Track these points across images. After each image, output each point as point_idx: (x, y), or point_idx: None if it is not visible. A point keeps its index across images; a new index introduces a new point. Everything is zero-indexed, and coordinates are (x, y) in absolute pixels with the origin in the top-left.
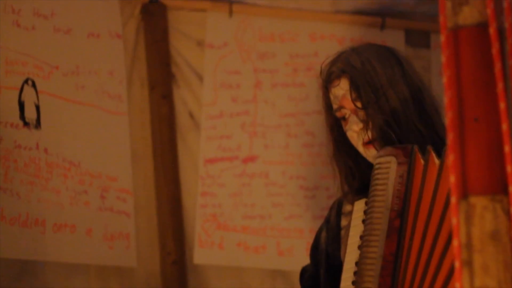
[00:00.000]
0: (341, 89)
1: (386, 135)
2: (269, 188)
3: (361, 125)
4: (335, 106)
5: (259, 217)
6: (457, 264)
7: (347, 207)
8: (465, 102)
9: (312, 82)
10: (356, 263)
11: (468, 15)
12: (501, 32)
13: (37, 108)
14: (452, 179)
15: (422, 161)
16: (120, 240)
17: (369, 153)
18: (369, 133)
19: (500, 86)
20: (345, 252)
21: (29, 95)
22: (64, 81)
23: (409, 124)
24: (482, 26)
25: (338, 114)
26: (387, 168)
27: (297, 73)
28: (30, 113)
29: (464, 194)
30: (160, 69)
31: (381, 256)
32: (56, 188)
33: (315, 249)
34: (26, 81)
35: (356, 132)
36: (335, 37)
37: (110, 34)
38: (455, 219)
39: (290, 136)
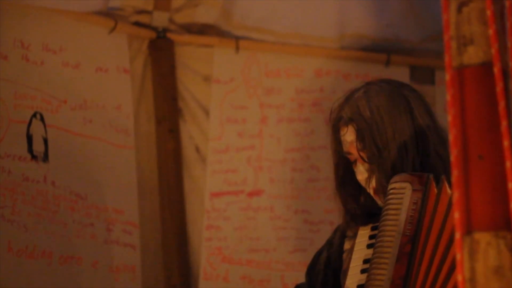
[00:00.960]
0: (349, 136)
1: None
2: (274, 222)
3: (366, 175)
4: (344, 149)
5: (264, 251)
6: None
7: (351, 232)
8: (470, 140)
9: (318, 117)
10: (358, 286)
11: (473, 55)
12: (505, 71)
13: (45, 141)
14: (456, 215)
15: (435, 190)
16: (125, 273)
17: (377, 199)
18: (373, 183)
19: (504, 124)
20: (345, 275)
21: (37, 129)
22: (72, 115)
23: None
24: (487, 66)
25: (347, 157)
26: (402, 194)
27: (302, 108)
28: (38, 146)
29: (468, 230)
30: (167, 103)
31: (390, 279)
32: (63, 221)
33: (312, 269)
34: (34, 115)
35: (363, 181)
36: (340, 73)
37: (118, 69)
38: (459, 255)
39: (295, 171)
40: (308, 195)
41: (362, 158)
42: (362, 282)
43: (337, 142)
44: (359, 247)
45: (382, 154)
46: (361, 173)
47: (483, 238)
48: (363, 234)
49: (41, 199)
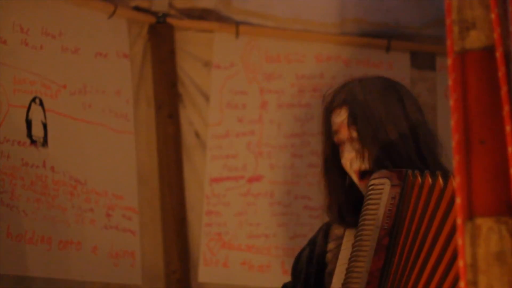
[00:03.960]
0: (340, 116)
1: (383, 166)
2: (274, 207)
3: (353, 154)
4: (334, 130)
5: (264, 236)
6: (462, 285)
7: (335, 232)
8: (472, 124)
9: (318, 103)
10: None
11: (475, 39)
12: (507, 56)
13: (45, 126)
14: (458, 200)
15: (419, 183)
16: (125, 258)
17: (363, 187)
18: (365, 164)
19: (506, 109)
20: (331, 275)
21: (36, 114)
22: (71, 100)
23: (408, 159)
24: (489, 50)
25: (335, 139)
26: (381, 189)
27: (303, 94)
28: (38, 131)
29: (470, 216)
30: (166, 89)
31: (367, 271)
32: (62, 206)
33: (295, 268)
34: (33, 100)
35: (348, 161)
36: (341, 59)
37: (118, 54)
38: (460, 240)
39: (295, 156)
40: (308, 181)
41: (351, 135)
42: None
43: (327, 127)
44: (346, 247)
45: (377, 131)
46: (348, 151)
47: (484, 223)
48: (350, 234)
49: (40, 184)
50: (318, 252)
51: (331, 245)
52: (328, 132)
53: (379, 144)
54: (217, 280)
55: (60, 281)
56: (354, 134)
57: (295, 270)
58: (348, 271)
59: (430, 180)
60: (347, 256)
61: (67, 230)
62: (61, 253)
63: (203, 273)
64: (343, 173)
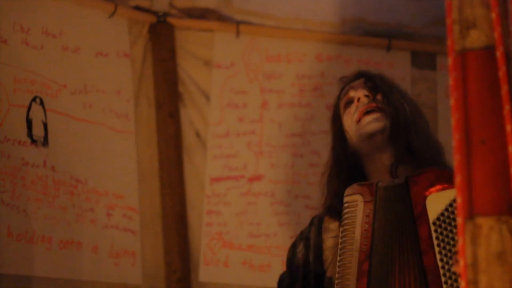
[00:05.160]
0: (359, 81)
1: (398, 125)
2: (275, 207)
3: (365, 91)
4: (343, 93)
5: (265, 236)
6: (463, 284)
7: (330, 226)
8: (472, 124)
9: (318, 102)
10: None
11: (475, 39)
12: (507, 55)
13: (45, 126)
14: (458, 200)
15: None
16: (125, 258)
17: (363, 121)
18: (374, 102)
19: (506, 108)
20: (331, 280)
21: (37, 113)
22: (71, 100)
23: (419, 134)
24: (489, 49)
25: (344, 99)
26: (355, 207)
27: (303, 94)
28: (38, 131)
29: (471, 215)
30: (167, 88)
31: None
32: (62, 205)
33: (291, 262)
34: (34, 99)
35: (354, 107)
36: (341, 58)
37: (118, 54)
38: (461, 239)
39: (296, 156)
40: (309, 180)
41: (369, 89)
42: None
43: (340, 111)
44: None
45: (396, 102)
46: (359, 92)
47: (485, 222)
48: None
49: (41, 183)
50: (314, 249)
51: (328, 243)
52: (336, 112)
53: (400, 113)
54: (217, 279)
55: (60, 281)
56: (367, 93)
57: (291, 264)
58: None
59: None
60: None
61: (68, 230)
62: (62, 252)
63: (204, 272)
64: (351, 175)
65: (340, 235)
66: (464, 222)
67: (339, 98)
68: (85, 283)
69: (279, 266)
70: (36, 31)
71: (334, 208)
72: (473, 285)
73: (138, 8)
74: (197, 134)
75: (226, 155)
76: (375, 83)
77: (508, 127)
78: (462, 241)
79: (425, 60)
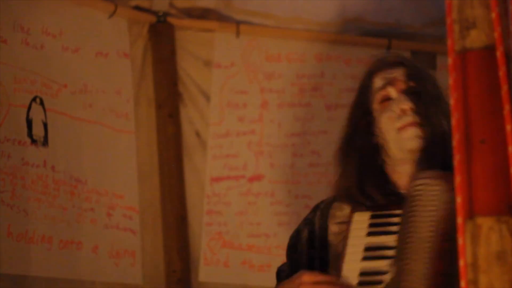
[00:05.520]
0: (394, 72)
1: (437, 134)
2: (275, 207)
3: (410, 104)
4: (380, 85)
5: (265, 236)
6: (463, 284)
7: (337, 213)
8: (472, 124)
9: (318, 102)
10: (362, 274)
11: (475, 39)
12: (507, 55)
13: (45, 125)
14: (458, 200)
15: None
16: (125, 258)
17: (406, 134)
18: (415, 118)
19: (506, 108)
20: (339, 260)
21: (37, 113)
22: (72, 99)
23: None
24: (489, 49)
25: (382, 93)
26: (435, 191)
27: (303, 93)
28: (38, 131)
29: (471, 215)
30: (167, 88)
31: (427, 274)
32: (63, 205)
33: (293, 249)
34: (34, 99)
35: (396, 113)
36: (341, 58)
37: (118, 53)
38: (461, 239)
39: (296, 156)
40: (309, 180)
41: (410, 87)
42: (365, 270)
43: (365, 90)
44: (358, 234)
45: (434, 101)
46: (404, 101)
47: (485, 222)
48: (362, 221)
49: (41, 183)
50: (319, 233)
51: (333, 228)
52: (364, 95)
53: (436, 111)
54: (217, 279)
55: (60, 281)
56: (412, 85)
57: (295, 252)
58: (404, 273)
59: None
60: (360, 243)
61: (68, 230)
62: (62, 252)
63: (204, 272)
64: (370, 144)
65: (411, 211)
66: (464, 222)
67: (369, 85)
68: (85, 283)
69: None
70: (36, 31)
71: (350, 197)
72: (473, 285)
73: (138, 8)
74: (197, 134)
75: (226, 155)
76: (419, 86)
77: (508, 127)
78: (462, 241)
79: (425, 60)
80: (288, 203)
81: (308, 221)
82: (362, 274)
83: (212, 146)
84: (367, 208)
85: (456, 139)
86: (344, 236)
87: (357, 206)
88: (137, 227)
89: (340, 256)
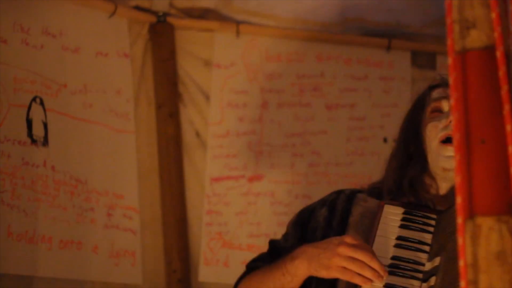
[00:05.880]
0: (444, 92)
1: None
2: (275, 207)
3: (448, 120)
4: (435, 97)
5: (265, 236)
6: (463, 284)
7: (361, 202)
8: (472, 124)
9: (318, 102)
10: (393, 257)
11: (475, 39)
12: (507, 55)
13: (45, 125)
14: (458, 199)
15: None
16: (125, 258)
17: (443, 151)
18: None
19: (506, 108)
20: (365, 240)
21: (37, 113)
22: (72, 99)
23: None
24: (489, 49)
25: (435, 103)
26: None
27: (303, 93)
28: (38, 131)
29: (471, 215)
30: (167, 88)
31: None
32: (63, 205)
33: (304, 223)
34: (34, 99)
35: (441, 124)
36: (341, 58)
37: (118, 53)
38: (461, 239)
39: (296, 156)
40: (309, 180)
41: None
42: (398, 255)
43: (423, 100)
44: (389, 223)
45: None
46: (444, 118)
47: (485, 222)
48: (394, 213)
49: (41, 183)
50: (340, 214)
51: (356, 213)
52: (421, 104)
53: None
54: (217, 279)
55: (61, 281)
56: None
57: (306, 226)
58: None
59: None
60: (392, 231)
61: (68, 230)
62: (62, 252)
63: (204, 272)
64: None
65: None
66: (464, 222)
67: (427, 96)
68: (85, 282)
69: None
70: (36, 31)
71: (387, 191)
72: (473, 285)
73: (138, 8)
74: (197, 134)
75: (226, 155)
76: None
77: (508, 127)
78: (462, 241)
79: (425, 60)
80: (288, 203)
81: (327, 202)
82: (394, 258)
83: (212, 146)
84: (398, 205)
85: (456, 139)
86: (371, 224)
87: (388, 201)
88: (137, 227)
89: (366, 240)
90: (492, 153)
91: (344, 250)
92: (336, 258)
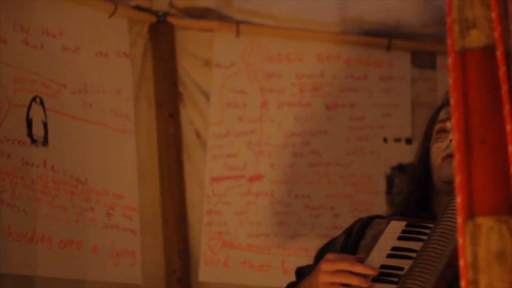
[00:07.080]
0: (448, 113)
1: None
2: (275, 206)
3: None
4: (442, 117)
5: (264, 236)
6: (463, 284)
7: (376, 226)
8: (472, 124)
9: (318, 102)
10: (382, 266)
11: (475, 38)
12: (508, 55)
13: (45, 125)
14: (458, 199)
15: None
16: (125, 257)
17: (446, 165)
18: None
19: (506, 108)
20: (365, 251)
21: (37, 113)
22: (71, 99)
23: None
24: (489, 49)
25: (441, 124)
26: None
27: (303, 93)
28: (38, 131)
29: (471, 215)
30: (167, 88)
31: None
32: (63, 205)
33: (322, 253)
34: (34, 99)
35: (445, 144)
36: (341, 58)
37: (118, 53)
38: (461, 239)
39: (295, 156)
40: (309, 180)
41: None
42: (386, 264)
43: (433, 120)
44: (389, 236)
45: None
46: (448, 137)
47: (485, 222)
48: (396, 227)
49: (41, 183)
50: (354, 238)
51: (368, 236)
52: (431, 125)
53: None
54: (217, 279)
55: (60, 281)
56: None
57: (322, 253)
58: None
59: None
60: (389, 243)
61: (68, 229)
62: (62, 252)
63: (204, 272)
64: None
65: (440, 225)
66: (464, 222)
67: (435, 116)
68: (85, 282)
69: (279, 266)
70: (36, 31)
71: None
72: (473, 285)
73: (138, 8)
74: (197, 134)
75: (226, 155)
76: None
77: (508, 127)
78: (462, 241)
79: (425, 60)
80: (288, 203)
81: (346, 230)
82: (383, 266)
83: (212, 145)
84: (404, 220)
85: (456, 139)
86: (375, 238)
87: (396, 217)
88: (137, 227)
89: (369, 248)
90: (492, 153)
91: (325, 266)
92: (321, 276)
